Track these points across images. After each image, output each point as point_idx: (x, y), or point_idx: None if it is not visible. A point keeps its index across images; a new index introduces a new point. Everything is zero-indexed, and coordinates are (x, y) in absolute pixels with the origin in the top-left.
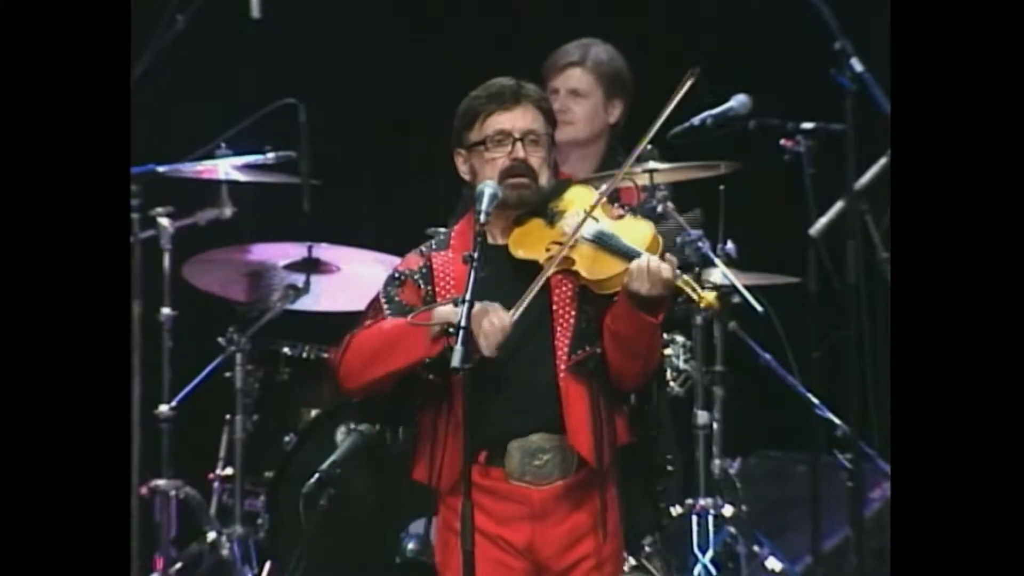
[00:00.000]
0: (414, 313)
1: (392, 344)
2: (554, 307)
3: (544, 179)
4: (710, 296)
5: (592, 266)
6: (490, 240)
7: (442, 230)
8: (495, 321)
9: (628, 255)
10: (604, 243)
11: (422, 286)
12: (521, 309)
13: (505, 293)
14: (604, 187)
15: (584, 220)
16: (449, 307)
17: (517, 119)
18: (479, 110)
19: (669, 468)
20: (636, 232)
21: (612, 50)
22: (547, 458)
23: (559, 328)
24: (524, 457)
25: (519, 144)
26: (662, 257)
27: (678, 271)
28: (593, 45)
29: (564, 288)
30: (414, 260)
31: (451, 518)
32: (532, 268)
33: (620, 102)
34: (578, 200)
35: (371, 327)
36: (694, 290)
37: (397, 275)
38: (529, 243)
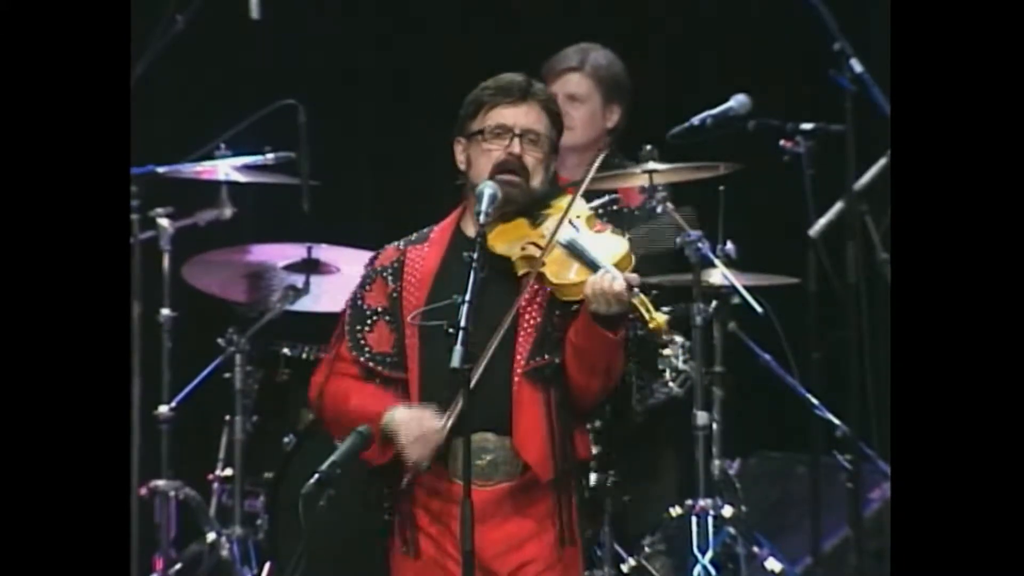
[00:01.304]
0: (413, 314)
1: (351, 423)
2: (520, 310)
3: (537, 181)
4: (661, 319)
5: (557, 270)
6: (471, 234)
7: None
8: (426, 427)
9: (592, 266)
10: (573, 250)
11: (390, 283)
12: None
13: (476, 286)
14: (596, 202)
15: (560, 223)
16: (402, 412)
17: (520, 115)
18: (484, 100)
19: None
20: (608, 247)
21: (611, 55)
22: (489, 459)
23: (522, 332)
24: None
25: (516, 140)
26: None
27: (635, 289)
28: (592, 50)
29: (534, 293)
30: (390, 254)
31: (402, 526)
32: (506, 264)
33: (618, 107)
34: (562, 209)
35: (341, 385)
36: (648, 311)
37: (371, 272)
38: (506, 239)
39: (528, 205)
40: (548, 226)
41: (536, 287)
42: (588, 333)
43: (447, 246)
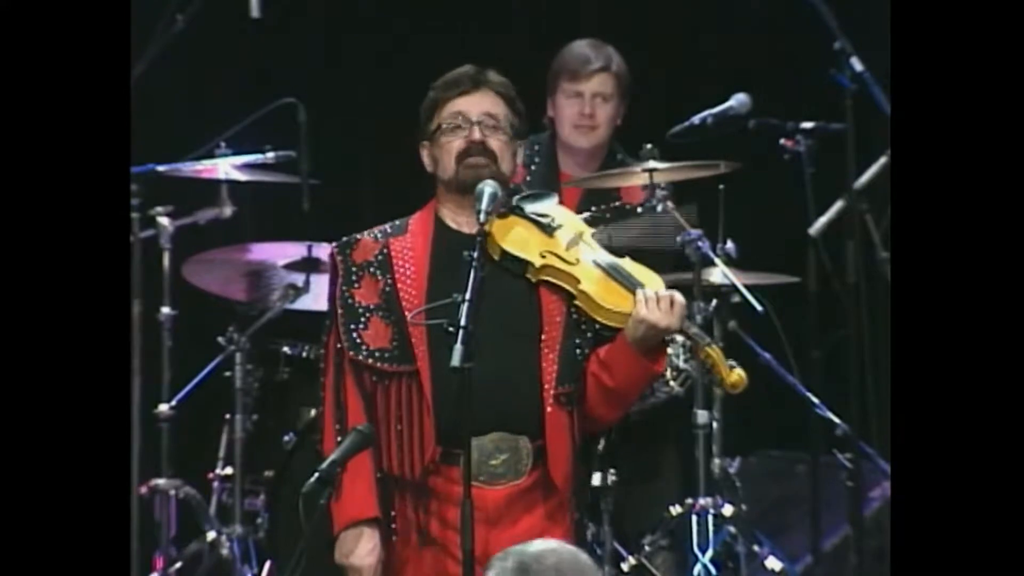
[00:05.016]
0: (414, 313)
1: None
2: (543, 331)
3: (505, 165)
4: (740, 373)
5: (604, 294)
6: (453, 225)
7: None
8: (358, 560)
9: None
10: (617, 275)
11: (380, 277)
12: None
13: (464, 282)
14: (586, 215)
15: (571, 241)
16: (354, 540)
17: (475, 103)
18: (437, 98)
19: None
20: (648, 273)
21: (617, 52)
22: (504, 458)
23: (546, 351)
24: (481, 456)
25: (476, 127)
26: None
27: (706, 343)
28: (607, 47)
29: (555, 309)
30: (369, 248)
31: (405, 526)
32: (513, 263)
33: (625, 103)
34: (570, 223)
35: (329, 405)
36: (723, 365)
37: (355, 268)
38: (520, 241)
39: (518, 204)
40: (563, 236)
41: (554, 302)
42: (627, 366)
43: (432, 237)
